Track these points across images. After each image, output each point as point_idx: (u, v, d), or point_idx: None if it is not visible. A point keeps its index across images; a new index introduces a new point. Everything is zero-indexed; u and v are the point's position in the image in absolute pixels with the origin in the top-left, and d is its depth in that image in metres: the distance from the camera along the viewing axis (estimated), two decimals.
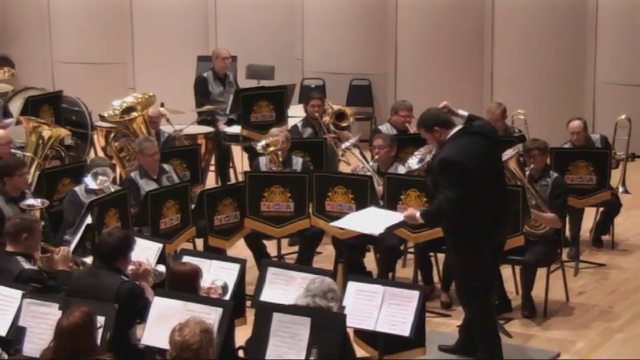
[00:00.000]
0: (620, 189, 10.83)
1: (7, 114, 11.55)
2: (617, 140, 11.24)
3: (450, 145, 7.61)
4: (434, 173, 7.76)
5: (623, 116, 11.49)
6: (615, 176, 10.69)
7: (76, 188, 9.15)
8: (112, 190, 9.14)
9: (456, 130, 7.68)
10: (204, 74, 12.78)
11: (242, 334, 7.11)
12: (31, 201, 8.68)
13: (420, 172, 9.31)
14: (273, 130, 10.32)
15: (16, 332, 6.68)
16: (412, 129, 10.86)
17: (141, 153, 9.75)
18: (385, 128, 10.92)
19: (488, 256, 7.78)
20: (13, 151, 10.07)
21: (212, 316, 6.36)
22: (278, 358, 6.26)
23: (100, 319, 6.19)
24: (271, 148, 9.92)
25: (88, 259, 7.79)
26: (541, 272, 9.06)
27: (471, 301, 7.75)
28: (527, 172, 9.22)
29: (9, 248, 7.58)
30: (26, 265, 7.46)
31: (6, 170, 9.03)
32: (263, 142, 10.01)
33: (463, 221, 7.55)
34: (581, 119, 10.75)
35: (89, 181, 9.02)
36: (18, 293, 6.86)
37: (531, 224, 8.98)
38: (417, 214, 7.67)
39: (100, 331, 6.00)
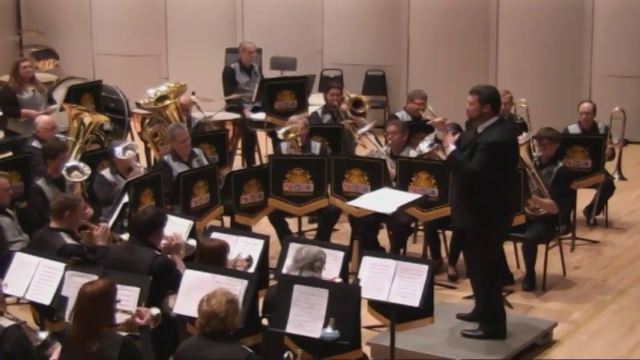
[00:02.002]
0: (617, 176, 10.80)
1: (51, 101, 11.57)
2: (612, 130, 11.17)
3: (499, 129, 7.38)
4: (473, 147, 7.38)
5: (617, 108, 11.42)
6: (612, 164, 10.72)
7: (102, 172, 9.16)
8: (138, 165, 9.14)
9: (497, 117, 7.46)
10: (232, 65, 12.76)
11: None
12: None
13: (430, 155, 9.26)
14: (292, 118, 10.29)
15: (60, 301, 6.70)
16: (425, 116, 10.84)
17: (173, 139, 9.74)
18: (401, 115, 10.91)
19: (504, 235, 7.69)
20: (56, 135, 10.12)
21: (238, 287, 6.35)
22: (298, 326, 6.27)
23: (132, 290, 6.15)
24: (291, 135, 9.91)
25: (125, 236, 7.81)
26: (540, 248, 9.04)
27: (484, 279, 7.64)
28: (535, 158, 9.15)
29: (53, 224, 7.61)
30: (68, 240, 7.49)
31: (52, 153, 9.06)
32: (283, 130, 9.99)
33: (492, 200, 7.34)
34: (591, 102, 10.77)
35: (118, 151, 9.05)
36: (61, 265, 6.87)
37: (531, 208, 8.92)
38: (451, 148, 7.41)
39: (118, 305, 5.90)
